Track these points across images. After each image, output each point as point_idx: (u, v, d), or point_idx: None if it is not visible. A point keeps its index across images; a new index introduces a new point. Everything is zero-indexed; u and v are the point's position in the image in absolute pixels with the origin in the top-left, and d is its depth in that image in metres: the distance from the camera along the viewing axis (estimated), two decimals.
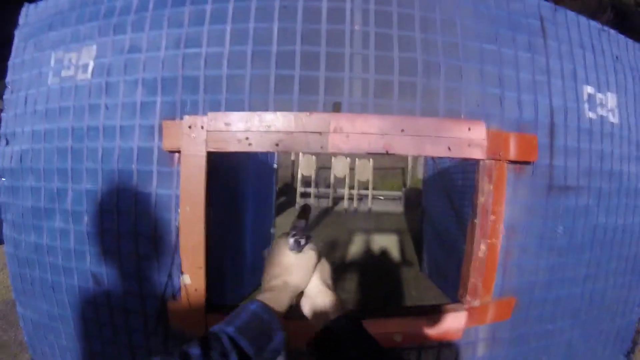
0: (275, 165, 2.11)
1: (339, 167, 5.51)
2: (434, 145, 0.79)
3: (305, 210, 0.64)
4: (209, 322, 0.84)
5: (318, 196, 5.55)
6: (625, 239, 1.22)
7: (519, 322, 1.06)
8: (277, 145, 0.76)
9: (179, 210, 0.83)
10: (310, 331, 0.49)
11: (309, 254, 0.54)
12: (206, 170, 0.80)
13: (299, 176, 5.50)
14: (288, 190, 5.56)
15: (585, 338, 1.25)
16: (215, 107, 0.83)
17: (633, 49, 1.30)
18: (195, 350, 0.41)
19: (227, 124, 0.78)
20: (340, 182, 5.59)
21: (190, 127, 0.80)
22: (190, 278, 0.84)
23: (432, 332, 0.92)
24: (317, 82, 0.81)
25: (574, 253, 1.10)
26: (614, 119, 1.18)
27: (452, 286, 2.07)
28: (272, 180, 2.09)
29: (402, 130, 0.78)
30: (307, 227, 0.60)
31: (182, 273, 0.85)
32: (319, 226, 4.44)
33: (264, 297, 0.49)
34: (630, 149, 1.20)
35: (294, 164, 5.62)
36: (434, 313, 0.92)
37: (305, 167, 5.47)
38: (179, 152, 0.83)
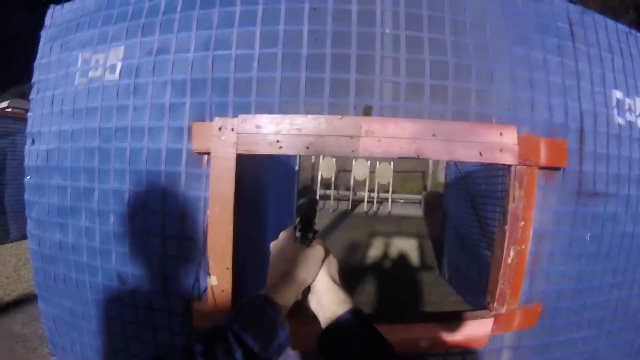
0: (296, 168, 2.12)
1: (360, 170, 5.50)
2: (465, 150, 0.78)
3: (312, 204, 0.62)
4: None
5: (338, 199, 5.56)
6: None
7: (544, 330, 1.04)
8: (308, 148, 0.76)
9: (208, 211, 0.83)
10: (317, 330, 0.48)
11: (316, 248, 0.53)
12: (236, 172, 0.80)
13: (319, 178, 5.50)
14: (308, 192, 5.59)
15: (609, 348, 1.22)
16: (244, 109, 0.83)
17: None
18: (199, 347, 0.40)
19: (257, 127, 0.78)
20: (360, 184, 5.59)
21: (220, 129, 0.80)
22: (218, 279, 0.84)
23: (458, 338, 0.91)
24: (348, 84, 0.81)
25: (601, 261, 1.08)
26: None
27: (472, 291, 2.05)
28: (294, 182, 2.10)
29: (434, 135, 0.77)
30: (315, 221, 0.58)
31: (209, 274, 0.85)
32: (339, 229, 4.44)
33: (270, 291, 0.48)
34: None
35: (314, 167, 5.64)
36: (460, 319, 0.90)
37: (326, 169, 5.47)
38: (208, 153, 0.83)
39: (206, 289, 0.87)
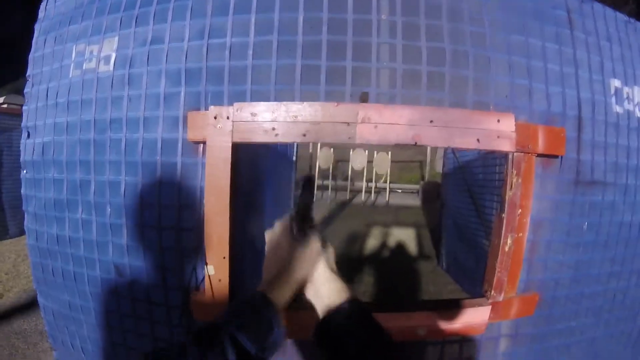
0: (294, 158, 2.13)
1: (357, 160, 5.50)
2: (462, 136, 0.78)
3: (308, 183, 0.57)
4: None
5: (336, 189, 5.57)
6: None
7: (542, 319, 1.04)
8: (304, 135, 0.76)
9: (204, 201, 0.83)
10: (315, 320, 0.48)
11: (313, 245, 0.51)
12: (232, 161, 0.79)
13: (317, 168, 5.50)
14: (307, 182, 5.57)
15: (607, 338, 1.23)
16: (240, 98, 0.82)
17: None
18: (193, 346, 0.40)
19: (253, 114, 0.78)
20: (358, 174, 5.59)
21: (215, 117, 0.80)
22: (215, 269, 0.84)
23: (456, 326, 0.91)
24: (344, 72, 0.80)
25: (599, 250, 1.08)
26: None
27: (470, 280, 2.06)
28: (291, 173, 2.13)
29: (431, 122, 0.76)
30: (312, 211, 0.55)
31: (206, 264, 0.85)
32: (337, 219, 4.45)
33: (266, 289, 0.47)
34: None
35: (312, 157, 5.63)
36: (458, 308, 0.91)
37: (323, 159, 5.46)
38: (204, 143, 0.83)
39: (203, 279, 0.87)
